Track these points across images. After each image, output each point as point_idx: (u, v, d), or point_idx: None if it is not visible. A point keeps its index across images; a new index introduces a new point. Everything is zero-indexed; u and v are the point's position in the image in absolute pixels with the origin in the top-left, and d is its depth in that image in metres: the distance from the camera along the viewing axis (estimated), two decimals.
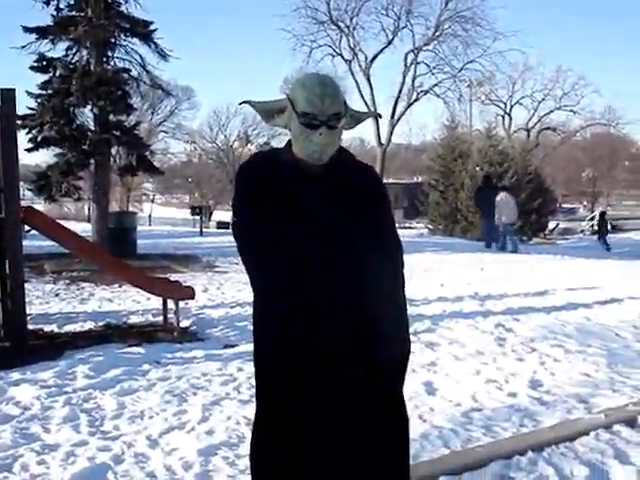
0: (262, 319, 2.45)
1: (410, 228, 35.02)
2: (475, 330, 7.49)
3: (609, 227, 24.22)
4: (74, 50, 16.38)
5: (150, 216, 51.49)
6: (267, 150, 2.64)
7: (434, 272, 12.38)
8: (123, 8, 16.62)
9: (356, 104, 33.71)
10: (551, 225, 37.47)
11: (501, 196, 18.72)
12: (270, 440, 2.46)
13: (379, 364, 2.36)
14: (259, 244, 2.34)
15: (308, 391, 2.34)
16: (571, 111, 52.21)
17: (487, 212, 19.05)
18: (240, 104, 2.49)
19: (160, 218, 51.14)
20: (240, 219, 2.44)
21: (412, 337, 6.95)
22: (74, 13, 16.21)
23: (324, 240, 2.28)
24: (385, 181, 41.09)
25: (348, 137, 70.59)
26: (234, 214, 2.53)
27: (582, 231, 45.66)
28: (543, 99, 52.50)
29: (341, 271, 2.29)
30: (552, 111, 53.01)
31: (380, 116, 3.15)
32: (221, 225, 37.16)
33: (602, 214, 25.03)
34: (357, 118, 2.49)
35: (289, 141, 2.41)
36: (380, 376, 2.39)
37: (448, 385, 5.48)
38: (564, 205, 61.96)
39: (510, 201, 18.73)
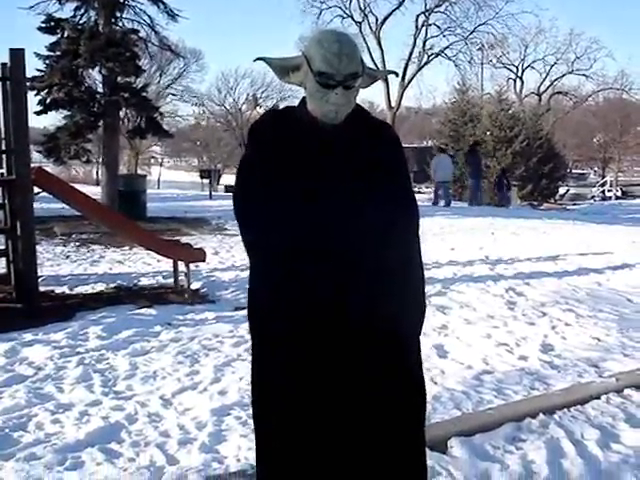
0: (264, 266, 2.37)
1: (420, 193, 34.88)
2: (486, 294, 7.49)
3: (510, 183, 24.30)
4: (82, 11, 16.23)
5: (159, 179, 51.47)
6: (281, 108, 2.58)
7: (445, 236, 12.34)
8: None
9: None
10: (562, 190, 37.34)
11: (439, 157, 21.59)
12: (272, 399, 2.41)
13: (395, 324, 2.33)
14: (268, 206, 2.28)
15: (315, 346, 2.30)
16: (583, 75, 51.73)
17: (474, 174, 22.13)
18: (255, 60, 2.44)
19: (169, 182, 51.10)
20: (246, 186, 2.39)
21: None
22: None
23: (340, 199, 2.24)
24: None
25: (358, 100, 70.18)
26: (238, 178, 2.45)
27: (593, 197, 45.49)
28: (555, 63, 51.97)
29: (358, 229, 2.24)
30: (564, 75, 52.54)
31: (397, 74, 3.08)
32: (229, 189, 37.12)
33: (503, 170, 24.93)
34: (373, 76, 2.43)
35: (303, 99, 2.36)
36: (395, 337, 2.35)
37: (459, 348, 5.50)
38: (575, 170, 61.59)
39: (444, 161, 21.23)
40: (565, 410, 4.20)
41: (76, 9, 16.21)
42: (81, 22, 16.20)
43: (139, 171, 43.72)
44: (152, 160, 60.35)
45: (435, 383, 4.66)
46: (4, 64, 6.75)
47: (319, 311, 2.25)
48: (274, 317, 2.31)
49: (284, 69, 2.36)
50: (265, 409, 2.41)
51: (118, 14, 16.49)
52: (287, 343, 2.30)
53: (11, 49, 6.48)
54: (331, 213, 2.21)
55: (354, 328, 2.26)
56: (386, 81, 36.77)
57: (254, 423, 2.49)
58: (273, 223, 2.25)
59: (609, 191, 47.29)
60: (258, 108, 51.08)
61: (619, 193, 47.50)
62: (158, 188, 42.23)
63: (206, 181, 28.01)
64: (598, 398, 4.40)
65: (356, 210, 2.23)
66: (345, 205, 2.22)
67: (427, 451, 3.53)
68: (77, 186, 9.02)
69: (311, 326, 2.26)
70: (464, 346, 5.56)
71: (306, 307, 2.26)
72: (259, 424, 2.45)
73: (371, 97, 68.10)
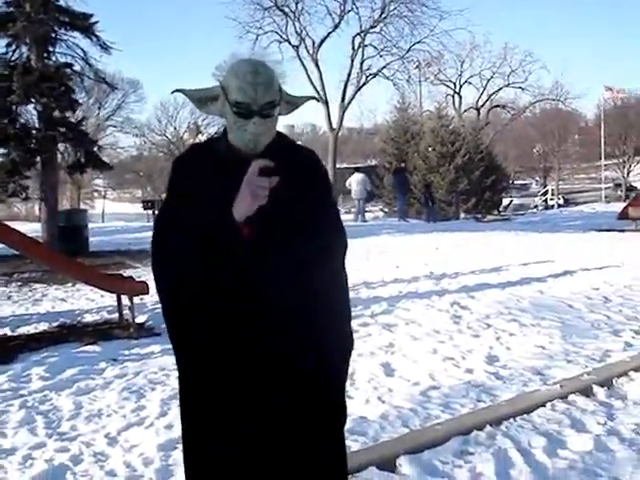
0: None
1: (367, 212, 35.12)
2: (431, 309, 7.55)
3: (433, 198, 25.40)
4: (14, 47, 15.95)
5: (103, 212, 50.82)
6: (204, 141, 2.56)
7: (390, 254, 12.43)
8: (62, 2, 16.18)
9: (306, 89, 33.61)
10: (505, 202, 37.98)
11: (353, 177, 23.54)
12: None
13: (312, 362, 2.30)
14: (177, 228, 2.28)
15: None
16: (520, 88, 52.62)
17: (401, 192, 24.37)
18: (173, 92, 2.43)
19: (113, 214, 50.47)
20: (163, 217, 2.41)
21: (370, 319, 7.01)
22: (11, 9, 15.80)
23: (253, 235, 2.21)
24: (339, 166, 41.19)
25: (300, 123, 70.65)
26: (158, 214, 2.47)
27: (536, 206, 46.36)
28: (492, 77, 52.80)
29: (273, 262, 2.22)
30: (501, 88, 53.40)
31: (318, 99, 3.08)
32: None
33: (427, 186, 25.91)
34: (294, 103, 2.42)
35: (225, 129, 2.36)
36: (317, 375, 2.33)
37: (406, 365, 5.52)
38: (517, 181, 62.74)
39: (358, 181, 23.19)
40: (512, 420, 4.26)
41: (7, 45, 15.92)
42: (13, 58, 15.94)
43: (82, 205, 43.25)
44: (95, 193, 59.66)
45: (383, 402, 4.67)
46: None
47: (237, 347, 2.27)
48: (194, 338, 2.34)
49: (202, 100, 2.35)
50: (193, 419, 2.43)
51: (51, 48, 16.26)
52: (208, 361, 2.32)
53: None
54: (242, 250, 2.21)
55: (269, 362, 2.27)
56: (326, 103, 36.97)
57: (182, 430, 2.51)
58: (183, 258, 2.26)
59: (551, 200, 48.30)
60: (200, 136, 50.90)
61: (561, 201, 48.55)
62: (102, 221, 41.67)
63: (150, 212, 27.72)
64: (544, 406, 4.47)
65: (267, 245, 2.22)
66: (257, 241, 2.22)
67: (376, 470, 3.57)
68: (18, 224, 8.89)
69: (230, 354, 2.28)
70: (411, 363, 5.58)
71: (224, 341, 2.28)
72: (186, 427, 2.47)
73: (313, 120, 68.64)
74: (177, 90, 2.39)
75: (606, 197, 50.74)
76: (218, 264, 2.23)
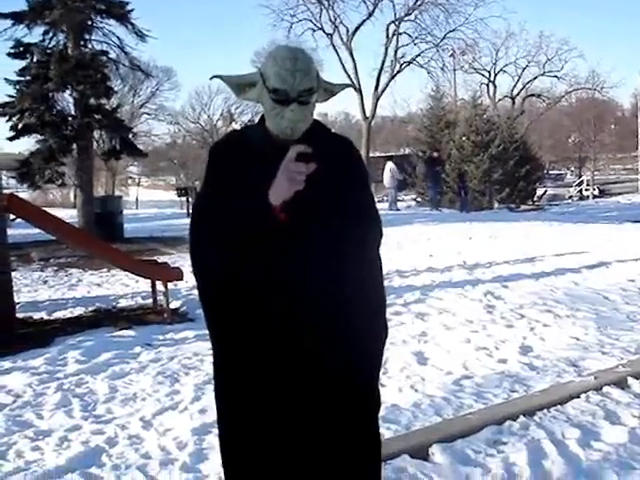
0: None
1: (399, 201, 35.01)
2: (464, 299, 7.52)
3: (467, 188, 25.18)
4: (51, 34, 16.18)
5: (137, 199, 51.21)
6: (241, 128, 2.58)
7: (423, 243, 12.39)
8: None
9: (339, 78, 33.54)
10: (539, 192, 37.57)
11: (386, 165, 24.45)
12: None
13: (345, 347, 2.31)
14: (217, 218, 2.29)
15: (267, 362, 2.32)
16: (555, 77, 51.98)
17: (433, 182, 24.53)
18: (211, 78, 2.43)
19: (147, 201, 50.86)
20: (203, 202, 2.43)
21: (403, 308, 7.00)
22: None
23: (289, 222, 2.22)
24: (372, 154, 41.02)
25: (333, 112, 70.42)
26: (196, 200, 2.50)
27: (570, 197, 45.79)
28: (527, 66, 52.13)
29: (311, 251, 2.23)
30: (536, 77, 52.72)
31: (355, 87, 3.07)
32: None
33: (461, 175, 25.56)
34: (330, 91, 2.43)
35: (262, 116, 2.37)
36: (352, 367, 2.33)
37: (439, 354, 5.51)
38: (552, 171, 62.00)
39: (388, 169, 24.05)
40: (545, 411, 4.23)
41: (44, 33, 16.15)
42: (50, 46, 16.15)
43: (117, 192, 43.52)
44: (129, 180, 60.12)
45: (416, 390, 4.67)
46: None
47: (271, 336, 2.29)
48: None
49: (240, 86, 2.36)
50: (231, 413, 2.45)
51: (87, 36, 16.47)
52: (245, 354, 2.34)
53: None
54: (277, 237, 2.22)
55: (304, 351, 2.29)
56: (360, 91, 36.79)
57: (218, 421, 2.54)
58: (219, 247, 2.29)
59: (586, 190, 47.65)
60: (233, 123, 51.02)
61: (596, 192, 47.87)
62: (136, 208, 42.02)
63: (184, 199, 27.88)
64: (578, 397, 4.44)
65: (302, 230, 2.23)
66: (293, 225, 2.22)
67: (408, 458, 3.57)
68: (54, 210, 9.01)
69: (265, 346, 2.30)
70: (444, 352, 5.57)
71: (259, 331, 2.30)
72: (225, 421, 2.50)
73: (346, 108, 68.42)
74: (216, 76, 2.40)
75: None
76: (253, 251, 2.24)
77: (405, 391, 4.67)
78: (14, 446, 4.00)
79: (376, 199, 2.62)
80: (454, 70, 42.93)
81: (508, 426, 3.99)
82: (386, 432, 3.86)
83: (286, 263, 2.24)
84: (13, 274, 7.13)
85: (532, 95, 54.64)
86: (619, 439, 3.81)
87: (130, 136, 17.87)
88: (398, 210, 23.14)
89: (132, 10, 16.53)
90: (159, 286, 7.43)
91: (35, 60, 15.95)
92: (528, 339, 5.87)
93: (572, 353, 5.43)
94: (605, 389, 4.56)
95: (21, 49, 15.89)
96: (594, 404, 4.34)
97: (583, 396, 4.45)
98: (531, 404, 4.31)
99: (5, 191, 6.81)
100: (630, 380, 4.71)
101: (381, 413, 2.62)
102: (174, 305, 7.49)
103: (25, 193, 18.85)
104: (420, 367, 5.20)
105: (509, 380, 4.84)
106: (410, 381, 4.85)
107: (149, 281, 7.66)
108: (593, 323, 6.30)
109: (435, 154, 25.59)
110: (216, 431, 4.01)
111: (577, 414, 4.19)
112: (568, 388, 4.59)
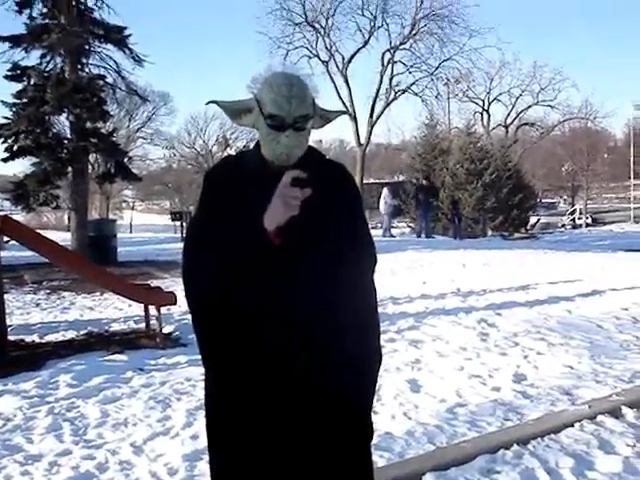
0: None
1: (393, 228, 35.09)
2: (458, 326, 7.51)
3: (460, 215, 25.25)
4: (48, 58, 16.29)
5: (131, 223, 51.20)
6: (236, 153, 2.58)
7: (417, 270, 12.39)
8: (96, 14, 16.56)
9: (335, 104, 33.70)
10: (532, 220, 37.72)
11: (383, 192, 24.09)
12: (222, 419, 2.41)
13: (345, 379, 2.30)
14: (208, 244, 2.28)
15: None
16: (549, 106, 52.44)
17: (424, 209, 23.79)
18: (207, 103, 2.44)
19: (141, 225, 50.88)
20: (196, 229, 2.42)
21: (396, 335, 6.97)
22: (47, 21, 16.11)
23: (282, 249, 2.21)
24: (366, 181, 41.19)
25: (328, 138, 70.77)
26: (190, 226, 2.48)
27: (563, 225, 45.98)
28: (520, 95, 52.61)
29: (302, 271, 2.23)
30: (530, 106, 53.18)
31: (350, 114, 3.09)
32: None
33: (454, 202, 25.65)
34: (326, 117, 2.44)
35: (258, 141, 2.37)
36: (344, 389, 2.31)
37: (432, 382, 5.49)
38: (545, 200, 62.32)
39: (383, 196, 23.80)
40: (539, 439, 4.21)
41: (42, 56, 16.26)
42: (47, 69, 16.25)
43: (111, 215, 43.57)
44: (124, 204, 60.12)
45: (409, 418, 4.64)
46: None
47: (265, 361, 2.27)
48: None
49: (236, 112, 2.36)
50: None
51: (84, 60, 16.58)
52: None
53: None
54: (272, 262, 2.22)
55: (297, 376, 2.27)
56: (354, 118, 37.03)
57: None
58: (213, 272, 2.28)
59: (579, 219, 47.88)
60: (228, 149, 51.22)
61: (589, 220, 48.10)
62: (130, 232, 41.99)
63: (178, 223, 27.90)
64: (572, 426, 4.42)
65: (296, 255, 2.23)
66: (286, 250, 2.21)
67: None
68: (48, 232, 8.98)
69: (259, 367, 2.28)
70: (437, 379, 5.55)
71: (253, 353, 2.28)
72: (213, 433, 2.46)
73: (341, 135, 68.81)
74: (212, 101, 2.41)
75: (635, 217, 50.22)
76: (247, 276, 2.24)
77: (398, 418, 4.64)
78: (3, 470, 3.97)
79: (370, 225, 2.62)
80: (448, 98, 43.40)
81: (502, 455, 3.97)
82: (379, 460, 3.84)
83: (280, 288, 2.24)
84: (6, 296, 7.08)
85: (526, 124, 55.10)
86: (613, 468, 3.79)
87: (125, 160, 17.91)
88: (393, 237, 23.09)
89: (130, 35, 16.70)
90: (152, 310, 7.40)
91: (32, 83, 16.04)
92: (522, 367, 5.85)
93: (566, 382, 5.41)
94: (599, 418, 4.54)
95: (18, 72, 15.98)
96: (588, 433, 4.32)
97: (577, 425, 4.43)
98: (525, 433, 4.29)
99: None
100: (624, 409, 4.69)
101: (374, 441, 2.61)
102: (167, 330, 7.45)
103: (19, 215, 18.80)
104: (413, 395, 5.17)
105: (503, 408, 4.81)
106: (403, 408, 4.82)
107: (142, 305, 7.62)
108: (587, 352, 6.29)
109: (425, 182, 25.15)
110: (207, 457, 4.01)
111: (571, 443, 4.17)
112: (562, 417, 4.57)
